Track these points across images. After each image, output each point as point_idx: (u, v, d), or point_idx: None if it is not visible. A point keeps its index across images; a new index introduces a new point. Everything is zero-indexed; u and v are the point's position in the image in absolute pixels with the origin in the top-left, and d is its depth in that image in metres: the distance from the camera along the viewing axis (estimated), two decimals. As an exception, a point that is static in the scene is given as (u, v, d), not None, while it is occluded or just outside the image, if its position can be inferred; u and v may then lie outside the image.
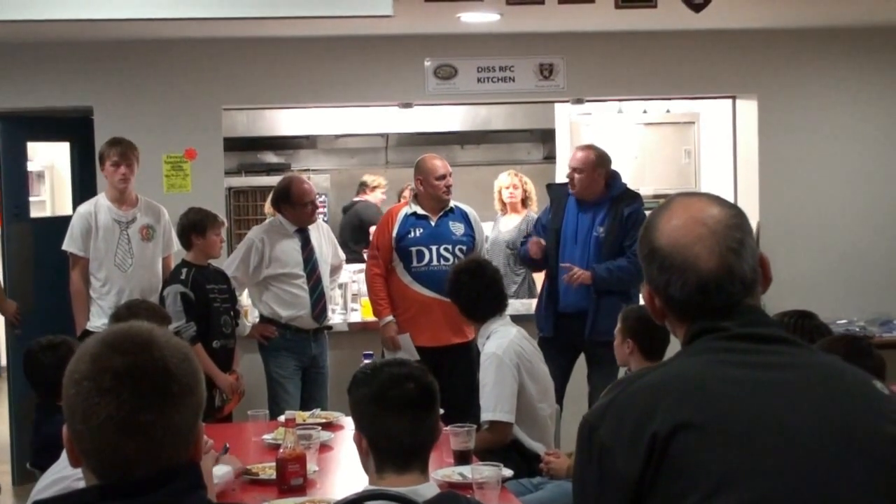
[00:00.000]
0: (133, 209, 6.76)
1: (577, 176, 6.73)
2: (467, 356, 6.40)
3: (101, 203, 6.76)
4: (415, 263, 6.79)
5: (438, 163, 6.91)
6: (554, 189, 7.12)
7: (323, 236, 7.12)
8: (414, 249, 6.79)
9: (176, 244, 6.86)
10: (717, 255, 2.06)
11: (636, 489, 1.93)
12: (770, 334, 2.07)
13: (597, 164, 6.73)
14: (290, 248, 6.89)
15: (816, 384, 2.00)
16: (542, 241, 6.80)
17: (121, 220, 6.72)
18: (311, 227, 7.00)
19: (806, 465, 1.90)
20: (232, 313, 6.68)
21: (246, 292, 7.17)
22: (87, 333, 6.41)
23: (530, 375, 5.30)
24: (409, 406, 3.08)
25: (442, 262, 6.74)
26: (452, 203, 6.96)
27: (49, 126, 8.59)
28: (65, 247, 6.73)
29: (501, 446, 5.09)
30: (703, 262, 2.06)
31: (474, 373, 5.52)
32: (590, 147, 6.92)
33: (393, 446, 3.09)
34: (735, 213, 2.12)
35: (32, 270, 8.23)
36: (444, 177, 6.85)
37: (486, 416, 5.17)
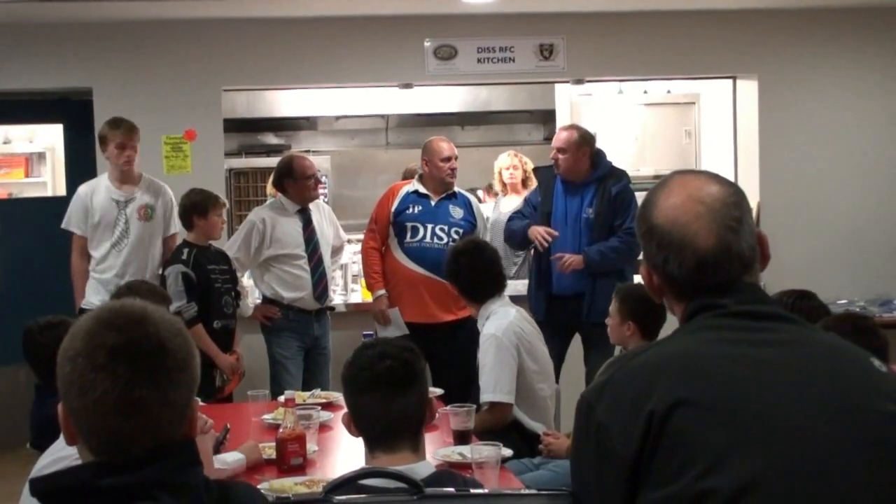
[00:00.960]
0: (133, 189, 6.76)
1: (560, 156, 6.70)
2: (461, 335, 6.39)
3: (101, 183, 6.79)
4: (408, 239, 6.83)
5: (445, 145, 6.94)
6: (541, 172, 7.10)
7: (324, 217, 7.12)
8: (409, 225, 6.83)
9: (179, 225, 6.86)
10: (715, 233, 2.06)
11: (634, 467, 1.93)
12: (768, 311, 2.06)
13: (580, 143, 6.69)
14: (292, 229, 6.90)
15: (814, 361, 2.00)
16: (552, 232, 6.75)
17: (119, 199, 6.73)
18: (312, 207, 7.01)
19: (803, 443, 1.90)
20: (233, 294, 6.68)
21: (248, 273, 7.17)
22: (82, 312, 6.43)
23: (530, 356, 5.30)
24: (378, 385, 3.08)
25: (436, 240, 6.77)
26: (456, 189, 6.98)
27: (28, 108, 8.62)
28: (64, 225, 6.79)
29: (501, 427, 5.09)
30: (702, 239, 2.06)
31: (471, 353, 5.51)
32: (573, 127, 6.92)
33: (369, 425, 3.10)
34: (733, 192, 2.12)
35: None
36: (448, 159, 6.87)
37: (485, 396, 5.17)
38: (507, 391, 5.17)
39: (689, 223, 2.07)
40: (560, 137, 6.77)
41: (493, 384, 5.17)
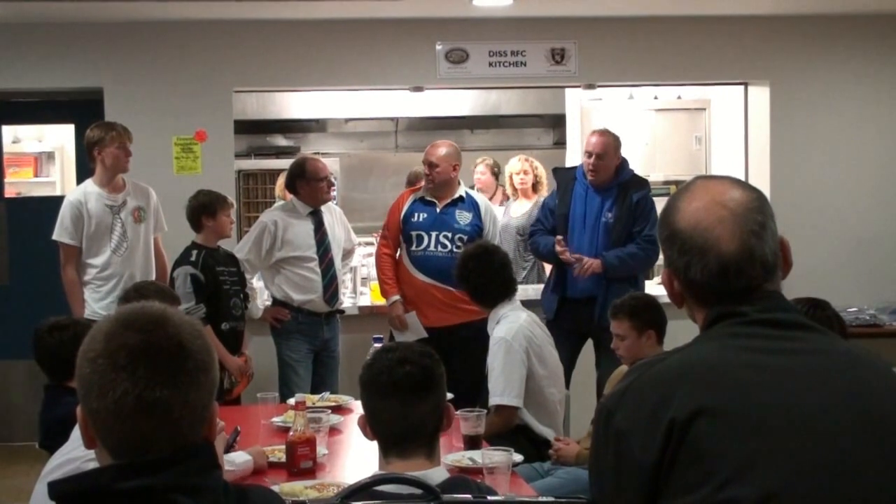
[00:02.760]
0: (122, 193, 6.71)
1: (600, 163, 6.65)
2: (471, 337, 6.35)
3: (89, 190, 6.67)
4: (414, 247, 6.81)
5: (428, 149, 6.93)
6: (560, 173, 7.07)
7: (336, 219, 7.11)
8: (414, 234, 6.82)
9: (165, 225, 6.89)
10: (739, 237, 2.04)
11: (653, 475, 1.92)
12: (790, 320, 2.05)
13: (616, 147, 6.73)
14: (303, 231, 6.88)
15: (836, 370, 1.98)
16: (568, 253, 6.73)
17: (112, 204, 6.66)
18: (324, 210, 6.99)
19: (826, 452, 1.88)
20: (241, 296, 6.67)
21: (258, 274, 7.15)
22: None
23: (540, 360, 5.29)
24: (396, 390, 3.05)
25: (440, 248, 6.75)
26: (465, 191, 6.95)
27: (39, 108, 8.63)
28: (55, 237, 6.64)
29: (507, 430, 5.08)
30: (724, 244, 2.04)
31: (481, 357, 5.50)
32: (606, 131, 6.84)
33: (385, 430, 3.07)
34: (756, 196, 2.11)
35: (7, 247, 8.41)
36: (427, 164, 6.84)
37: (493, 400, 5.16)
38: (516, 395, 5.16)
39: (712, 227, 2.05)
40: (597, 142, 6.69)
41: (502, 388, 5.17)
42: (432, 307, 6.75)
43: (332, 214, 7.10)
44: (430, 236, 6.80)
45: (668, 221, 2.11)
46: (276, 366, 6.92)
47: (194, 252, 6.50)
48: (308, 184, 6.88)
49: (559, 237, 6.74)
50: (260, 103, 10.37)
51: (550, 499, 2.18)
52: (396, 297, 6.86)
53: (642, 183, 6.78)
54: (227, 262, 6.64)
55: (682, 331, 2.50)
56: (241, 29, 7.90)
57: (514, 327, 5.27)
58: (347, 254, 7.30)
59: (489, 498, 2.33)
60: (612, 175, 6.72)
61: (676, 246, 2.09)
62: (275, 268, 6.92)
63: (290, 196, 7.06)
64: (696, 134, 9.85)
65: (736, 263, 2.04)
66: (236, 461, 4.01)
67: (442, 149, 6.90)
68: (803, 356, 1.99)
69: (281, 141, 11.28)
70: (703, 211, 2.07)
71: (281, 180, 8.07)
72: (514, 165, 8.57)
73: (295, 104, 10.61)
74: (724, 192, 2.09)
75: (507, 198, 8.64)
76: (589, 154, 6.72)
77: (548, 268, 7.46)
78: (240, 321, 6.65)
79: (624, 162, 6.80)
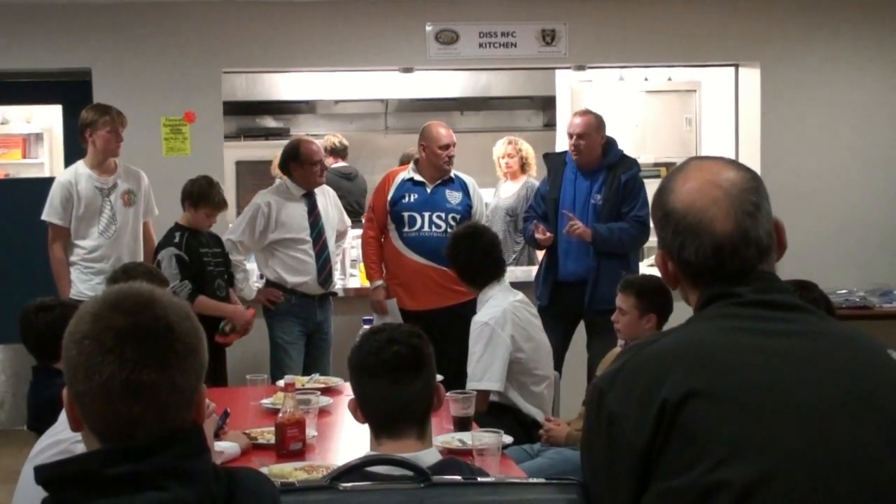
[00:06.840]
0: (113, 175, 6.70)
1: (582, 142, 6.65)
2: (462, 319, 6.33)
3: (80, 171, 6.67)
4: (406, 228, 6.78)
5: (444, 132, 6.87)
6: (551, 158, 7.06)
7: (329, 202, 7.08)
8: (406, 214, 6.78)
9: (156, 209, 6.89)
10: (733, 217, 2.03)
11: (645, 456, 1.91)
12: (784, 301, 2.04)
13: (598, 126, 6.69)
14: (297, 213, 6.86)
15: (831, 353, 1.97)
16: (548, 234, 6.72)
17: (102, 187, 6.65)
18: (317, 192, 6.97)
19: (819, 435, 1.87)
20: (225, 276, 6.67)
21: (251, 256, 7.12)
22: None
23: (526, 342, 5.26)
24: (385, 370, 3.04)
25: (434, 228, 6.73)
26: (453, 172, 6.92)
27: (27, 89, 8.57)
28: (44, 217, 6.64)
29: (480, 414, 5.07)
30: (719, 224, 2.03)
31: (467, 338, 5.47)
32: (588, 111, 6.84)
33: (375, 412, 3.06)
34: (751, 177, 2.10)
35: None
36: (447, 146, 6.81)
37: (472, 384, 5.11)
38: (497, 379, 5.14)
39: (707, 208, 2.04)
40: (578, 123, 6.68)
41: (482, 373, 5.15)
42: (426, 288, 6.71)
43: (326, 196, 7.08)
44: (423, 217, 6.77)
45: (662, 202, 2.10)
46: (268, 347, 6.90)
47: (177, 234, 6.51)
48: (302, 167, 6.85)
49: (535, 222, 6.75)
50: (249, 84, 10.32)
51: (541, 480, 2.15)
52: (380, 283, 6.87)
53: (630, 163, 6.75)
54: (211, 243, 6.66)
55: (682, 316, 2.48)
56: (230, 9, 7.85)
57: (497, 311, 5.23)
58: (340, 235, 7.27)
59: (479, 479, 2.31)
60: (598, 156, 6.70)
61: (670, 226, 2.07)
62: (268, 250, 6.89)
63: (284, 177, 7.03)
64: (686, 115, 9.85)
65: (730, 244, 2.03)
66: (222, 445, 3.99)
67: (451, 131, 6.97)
68: (798, 338, 1.98)
69: (270, 122, 11.24)
70: (698, 191, 2.06)
71: (276, 161, 8.03)
72: (500, 149, 8.55)
73: (284, 85, 10.57)
74: (718, 173, 2.08)
75: None
76: (571, 135, 6.71)
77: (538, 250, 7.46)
78: (224, 301, 6.65)
79: (612, 143, 6.77)
